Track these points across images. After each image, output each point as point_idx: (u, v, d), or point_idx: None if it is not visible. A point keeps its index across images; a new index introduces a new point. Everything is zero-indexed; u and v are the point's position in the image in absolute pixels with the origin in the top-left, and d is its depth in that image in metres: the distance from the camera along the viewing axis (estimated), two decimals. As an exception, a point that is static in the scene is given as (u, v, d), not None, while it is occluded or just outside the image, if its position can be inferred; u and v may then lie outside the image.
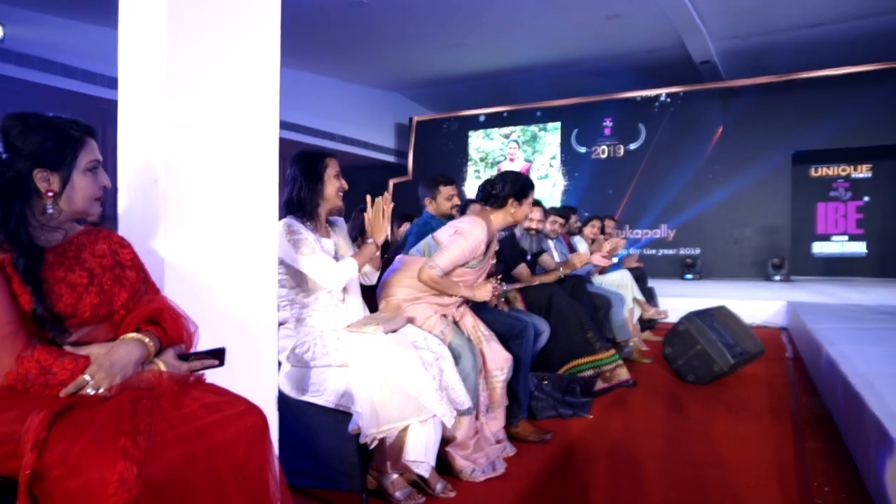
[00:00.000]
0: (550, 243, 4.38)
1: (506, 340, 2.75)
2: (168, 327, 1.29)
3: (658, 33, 9.98)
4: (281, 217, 2.26)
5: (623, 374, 3.60)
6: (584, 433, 2.93)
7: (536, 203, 4.20)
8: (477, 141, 13.20)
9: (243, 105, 1.74)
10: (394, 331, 2.17)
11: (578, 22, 9.73)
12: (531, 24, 9.83)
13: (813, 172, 11.35)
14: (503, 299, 3.31)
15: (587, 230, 5.35)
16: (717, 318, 4.06)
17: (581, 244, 5.13)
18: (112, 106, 1.74)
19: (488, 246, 2.64)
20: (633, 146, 11.79)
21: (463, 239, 2.51)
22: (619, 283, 5.02)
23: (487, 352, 2.58)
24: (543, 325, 3.13)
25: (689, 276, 10.76)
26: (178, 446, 1.07)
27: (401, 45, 10.70)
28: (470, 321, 2.66)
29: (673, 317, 7.05)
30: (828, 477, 2.40)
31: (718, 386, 3.83)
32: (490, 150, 13.06)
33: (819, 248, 11.38)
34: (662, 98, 11.55)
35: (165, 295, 1.39)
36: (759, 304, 6.89)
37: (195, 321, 1.37)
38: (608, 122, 12.04)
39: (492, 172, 12.90)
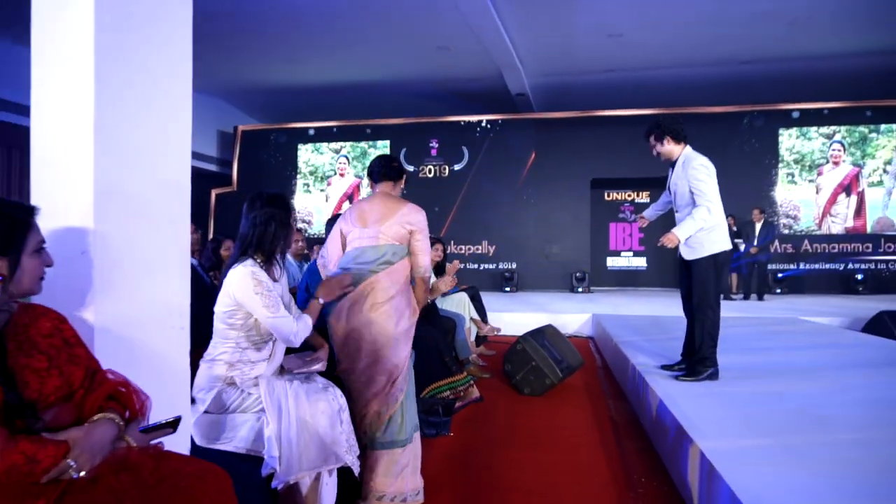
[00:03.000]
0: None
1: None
2: (129, 403, 1.33)
3: (481, 66, 10.84)
4: (234, 255, 2.24)
5: (474, 392, 4.00)
6: (448, 449, 3.26)
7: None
8: (306, 154, 13.13)
9: (160, 170, 1.78)
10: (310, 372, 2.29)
11: (411, 49, 10.23)
12: (366, 48, 10.12)
13: (606, 196, 13.05)
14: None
15: (432, 255, 5.74)
16: (546, 336, 4.66)
17: (427, 269, 5.49)
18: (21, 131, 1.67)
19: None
20: (457, 167, 12.61)
21: (424, 234, 2.67)
22: (458, 304, 5.47)
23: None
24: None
25: (508, 288, 11.81)
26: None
27: (229, 51, 10.33)
28: None
29: (508, 330, 7.72)
30: (644, 470, 2.98)
31: (550, 397, 4.41)
32: (320, 165, 13.06)
33: (611, 262, 13.12)
34: (483, 124, 12.52)
35: (108, 368, 1.41)
36: (570, 317, 7.85)
37: (144, 391, 1.41)
38: (434, 143, 12.74)
39: (322, 187, 12.92)
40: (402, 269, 2.62)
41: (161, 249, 1.77)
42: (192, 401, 2.12)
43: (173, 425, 1.40)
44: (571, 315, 7.92)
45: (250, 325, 2.19)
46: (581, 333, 7.65)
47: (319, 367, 2.39)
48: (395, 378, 2.54)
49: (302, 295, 3.21)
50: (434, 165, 12.70)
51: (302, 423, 2.07)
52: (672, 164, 3.71)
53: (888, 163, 11.21)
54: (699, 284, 3.57)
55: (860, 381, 3.59)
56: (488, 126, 12.50)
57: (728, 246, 3.62)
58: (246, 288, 2.13)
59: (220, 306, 2.20)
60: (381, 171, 2.76)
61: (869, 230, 11.18)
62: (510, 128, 12.46)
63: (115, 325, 1.62)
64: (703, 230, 3.47)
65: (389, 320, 2.51)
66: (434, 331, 3.84)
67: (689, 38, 9.63)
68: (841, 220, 11.27)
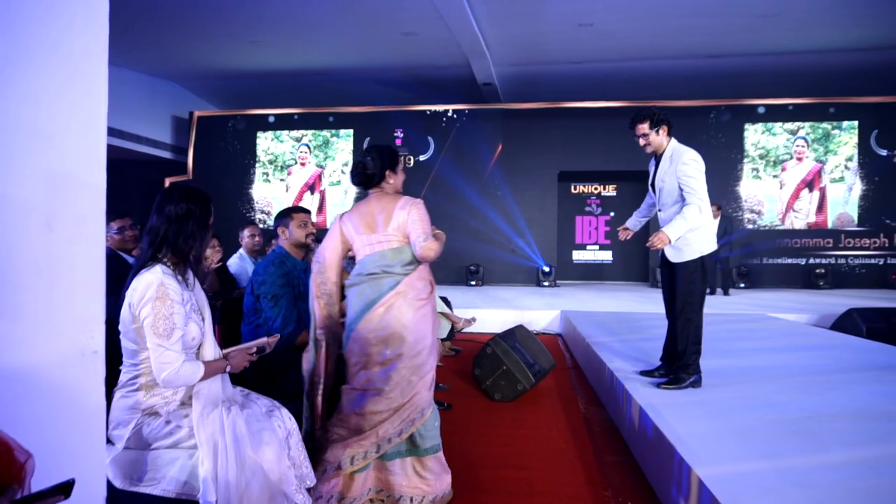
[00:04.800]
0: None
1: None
2: (-3, 470, 1.00)
3: (448, 53, 10.53)
4: (143, 254, 1.90)
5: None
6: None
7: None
8: (266, 142, 12.61)
9: (60, 162, 1.43)
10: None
11: (376, 34, 9.84)
12: (330, 31, 9.69)
13: (573, 190, 12.92)
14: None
15: None
16: (517, 338, 4.41)
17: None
18: None
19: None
20: (422, 157, 12.28)
21: (419, 208, 2.52)
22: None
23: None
24: None
25: (473, 282, 11.58)
26: None
27: (184, 32, 9.76)
28: None
29: (474, 327, 7.48)
30: (628, 489, 2.76)
31: (521, 403, 4.17)
32: (280, 153, 12.57)
33: (577, 255, 13.01)
34: (450, 114, 12.21)
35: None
36: (538, 314, 7.65)
37: (26, 447, 1.08)
38: (399, 133, 12.37)
39: (282, 175, 12.44)
40: (427, 268, 2.59)
41: (63, 256, 1.43)
42: (109, 441, 1.79)
43: (65, 490, 1.08)
44: (539, 311, 7.72)
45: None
46: (549, 330, 7.46)
47: (264, 342, 2.13)
48: (432, 381, 2.49)
49: (249, 298, 2.87)
50: (400, 155, 12.32)
51: (243, 459, 1.76)
52: (657, 157, 3.47)
53: (849, 159, 11.35)
54: (684, 287, 3.36)
55: (847, 388, 3.44)
56: (455, 116, 12.20)
57: (714, 246, 3.42)
58: (146, 299, 1.81)
59: (126, 321, 1.86)
60: (358, 180, 2.61)
61: (830, 226, 11.32)
62: (477, 118, 12.19)
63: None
64: (690, 230, 3.26)
65: (426, 321, 2.45)
66: None
67: (659, 29, 9.50)
68: (803, 215, 11.38)
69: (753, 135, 11.55)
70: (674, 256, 3.38)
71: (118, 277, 2.94)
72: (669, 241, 3.24)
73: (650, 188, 3.61)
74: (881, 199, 11.22)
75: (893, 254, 11.11)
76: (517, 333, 4.50)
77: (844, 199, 11.33)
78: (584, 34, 9.74)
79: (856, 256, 11.23)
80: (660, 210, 3.54)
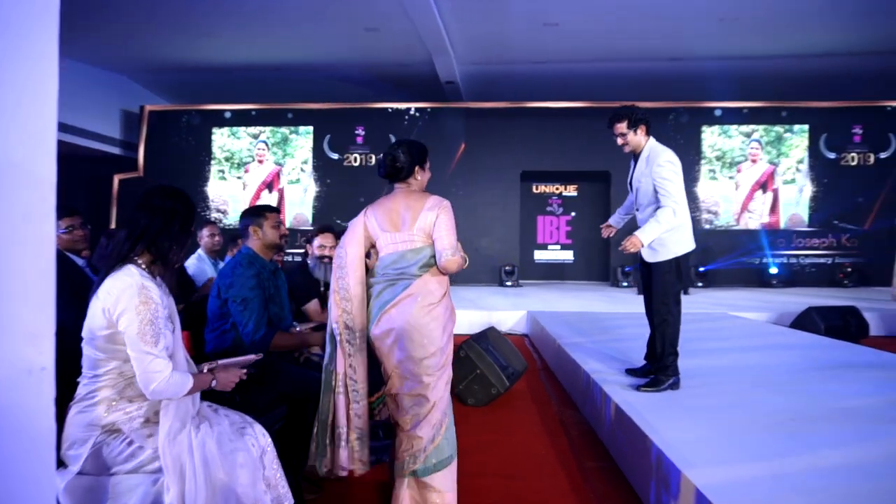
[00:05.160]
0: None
1: (308, 400, 2.50)
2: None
3: (411, 50, 10.37)
4: (116, 249, 1.72)
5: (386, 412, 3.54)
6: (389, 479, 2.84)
7: (326, 228, 3.98)
8: (222, 139, 12.19)
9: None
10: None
11: (337, 29, 9.61)
12: (289, 25, 9.41)
13: (534, 189, 12.93)
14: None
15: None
16: (490, 340, 4.31)
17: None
18: None
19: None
20: (384, 156, 12.07)
21: (448, 214, 2.46)
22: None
23: None
24: None
25: (436, 282, 11.45)
26: None
27: (134, 22, 9.33)
28: None
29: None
30: (609, 498, 2.68)
31: (495, 407, 4.07)
32: (237, 150, 12.17)
33: (539, 255, 13.04)
34: (412, 112, 12.06)
35: None
36: (503, 314, 7.58)
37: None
38: (360, 131, 12.15)
39: (238, 173, 12.07)
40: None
41: (7, 259, 1.24)
42: (61, 464, 1.59)
43: None
44: (504, 312, 7.65)
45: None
46: (515, 331, 7.40)
47: (253, 358, 2.04)
48: (448, 379, 2.45)
49: (214, 303, 2.67)
50: (360, 154, 12.13)
51: (214, 484, 1.58)
52: (635, 157, 3.41)
53: (800, 162, 11.70)
54: (660, 288, 3.33)
55: (820, 386, 3.46)
56: (417, 114, 12.05)
57: (692, 246, 3.36)
58: (128, 304, 1.65)
59: (95, 327, 1.68)
60: (385, 172, 2.55)
61: (782, 226, 11.64)
62: (440, 117, 12.07)
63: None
64: (665, 231, 3.22)
65: (437, 322, 2.38)
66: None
67: (622, 31, 9.56)
68: (757, 215, 11.67)
69: (710, 137, 11.78)
70: (649, 257, 3.34)
71: (68, 281, 2.70)
72: (642, 245, 3.19)
73: (629, 187, 3.54)
74: (830, 201, 11.60)
75: (841, 253, 11.50)
76: (489, 335, 4.40)
77: (796, 200, 11.68)
78: (548, 34, 9.74)
79: (806, 256, 11.58)
80: (637, 210, 3.51)
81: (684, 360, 3.74)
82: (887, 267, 11.10)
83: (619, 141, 3.38)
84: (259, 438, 1.79)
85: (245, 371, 1.97)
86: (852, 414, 2.93)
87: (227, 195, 12.12)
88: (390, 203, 2.49)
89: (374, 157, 12.06)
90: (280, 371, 2.55)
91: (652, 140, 3.37)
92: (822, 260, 11.54)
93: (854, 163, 11.66)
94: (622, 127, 3.33)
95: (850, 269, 11.27)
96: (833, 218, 11.56)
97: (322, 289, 3.60)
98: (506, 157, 11.93)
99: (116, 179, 11.79)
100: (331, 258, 3.76)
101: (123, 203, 11.68)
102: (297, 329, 3.11)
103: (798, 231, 11.61)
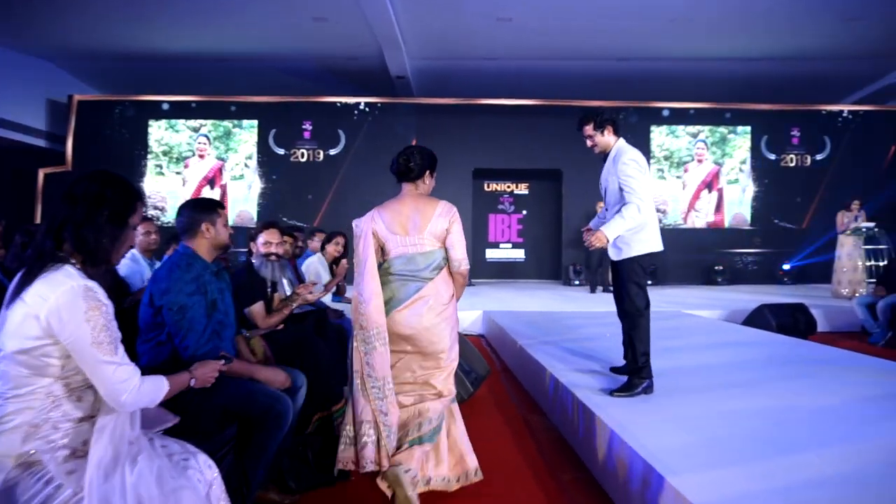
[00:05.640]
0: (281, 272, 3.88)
1: (262, 423, 2.24)
2: None
3: (361, 42, 10.08)
4: (39, 247, 1.42)
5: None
6: (349, 501, 2.59)
7: (271, 224, 3.70)
8: (159, 132, 11.54)
9: None
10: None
11: (284, 17, 9.21)
12: (232, 12, 8.94)
13: (486, 187, 12.82)
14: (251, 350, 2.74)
15: (330, 248, 4.93)
16: (452, 343, 4.10)
17: (318, 266, 4.70)
18: None
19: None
20: (332, 151, 11.72)
21: (460, 223, 2.64)
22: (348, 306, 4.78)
23: None
24: (300, 378, 2.66)
25: (387, 282, 11.17)
26: None
27: (62, 4, 8.66)
28: None
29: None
30: (589, 511, 2.53)
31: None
32: (175, 144, 11.55)
33: (490, 254, 12.95)
34: (361, 106, 11.73)
35: None
36: (459, 315, 7.38)
37: None
38: (308, 126, 11.74)
39: (178, 168, 11.47)
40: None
41: None
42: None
43: None
44: (459, 312, 7.44)
45: (74, 365, 1.43)
46: (471, 332, 7.23)
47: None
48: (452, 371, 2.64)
49: (146, 311, 2.32)
50: (307, 149, 11.71)
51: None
52: (605, 157, 3.40)
53: (743, 162, 12.01)
54: (626, 288, 3.27)
55: (787, 385, 3.41)
56: (367, 109, 11.73)
57: (658, 247, 3.31)
58: (74, 311, 1.39)
59: (22, 339, 1.39)
60: (397, 168, 2.65)
61: (727, 225, 11.92)
62: (390, 112, 11.78)
63: None
64: (631, 229, 3.18)
65: (447, 322, 2.56)
66: (323, 345, 3.12)
67: (574, 28, 9.55)
68: (704, 214, 11.91)
69: (659, 136, 11.95)
70: (614, 255, 3.29)
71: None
72: (607, 241, 3.15)
73: (600, 187, 3.49)
74: (770, 201, 11.96)
75: (780, 252, 11.87)
76: (451, 338, 4.18)
77: (739, 199, 11.99)
78: (501, 29, 9.62)
79: (749, 254, 11.91)
80: (605, 209, 3.47)
81: (653, 360, 3.65)
82: (823, 264, 11.55)
83: (589, 143, 3.38)
84: (204, 471, 1.52)
85: (223, 362, 1.81)
86: (827, 414, 2.87)
87: (166, 191, 11.49)
88: (398, 206, 2.60)
89: (321, 152, 11.68)
90: (223, 383, 2.24)
91: (620, 140, 3.37)
92: (762, 258, 11.88)
93: (793, 164, 12.07)
94: (589, 129, 3.34)
95: (789, 267, 11.65)
96: (773, 217, 11.92)
97: (269, 289, 3.31)
98: (458, 155, 11.74)
99: (41, 174, 10.98)
100: (278, 255, 3.48)
101: (50, 199, 10.89)
102: (247, 335, 2.82)
103: (741, 230, 11.91)
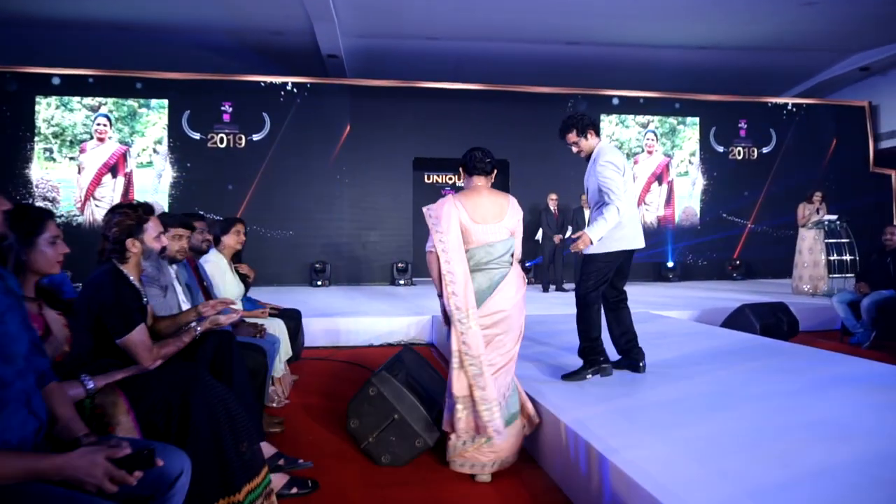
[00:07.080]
0: (174, 276, 2.82)
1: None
2: None
3: (289, 15, 8.96)
4: None
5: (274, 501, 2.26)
6: None
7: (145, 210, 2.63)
8: (49, 110, 9.92)
9: None
10: None
11: (196, -22, 7.95)
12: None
13: (426, 179, 11.89)
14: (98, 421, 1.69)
15: (229, 239, 3.85)
16: (408, 367, 3.16)
17: (222, 267, 3.63)
18: None
19: None
20: (256, 137, 10.48)
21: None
22: (273, 326, 3.74)
23: None
24: (180, 458, 1.62)
25: (319, 282, 10.05)
26: None
27: None
28: None
29: (319, 340, 6.10)
30: None
31: (418, 462, 2.92)
32: (69, 125, 9.96)
33: (432, 250, 12.02)
34: (289, 87, 10.54)
35: None
36: (402, 320, 6.45)
37: None
38: (227, 107, 10.43)
39: (72, 152, 9.92)
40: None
41: None
42: None
43: None
44: (402, 318, 6.51)
45: None
46: (418, 341, 6.30)
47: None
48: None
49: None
50: (227, 134, 10.41)
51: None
52: (587, 158, 3.46)
53: (693, 154, 11.62)
54: (584, 277, 3.38)
55: (797, 401, 2.69)
56: (295, 90, 10.54)
57: (638, 244, 3.42)
58: None
59: None
60: (478, 164, 2.79)
61: (677, 220, 11.51)
62: (322, 94, 10.64)
63: None
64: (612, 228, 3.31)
65: (524, 302, 2.79)
66: (225, 391, 2.02)
67: (521, 5, 8.76)
68: (654, 208, 11.44)
69: (609, 126, 11.38)
70: (589, 248, 3.36)
71: None
72: (591, 243, 3.27)
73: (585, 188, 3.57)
74: (719, 195, 11.65)
75: (729, 247, 11.57)
76: (406, 361, 3.23)
77: (689, 192, 11.60)
78: (442, 5, 8.72)
79: (698, 250, 11.54)
80: (588, 208, 3.58)
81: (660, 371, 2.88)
82: (771, 260, 11.32)
83: (574, 150, 3.45)
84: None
85: None
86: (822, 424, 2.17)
87: (57, 179, 9.89)
88: (477, 197, 2.74)
89: (243, 137, 10.41)
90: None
91: (603, 141, 3.44)
92: (713, 255, 11.54)
93: (740, 157, 11.79)
94: (573, 136, 3.40)
95: (738, 262, 11.36)
96: (722, 211, 11.61)
97: (145, 300, 2.25)
98: (396, 143, 10.77)
99: None
100: (164, 253, 2.43)
101: None
102: (89, 386, 1.78)
103: (691, 225, 11.53)
